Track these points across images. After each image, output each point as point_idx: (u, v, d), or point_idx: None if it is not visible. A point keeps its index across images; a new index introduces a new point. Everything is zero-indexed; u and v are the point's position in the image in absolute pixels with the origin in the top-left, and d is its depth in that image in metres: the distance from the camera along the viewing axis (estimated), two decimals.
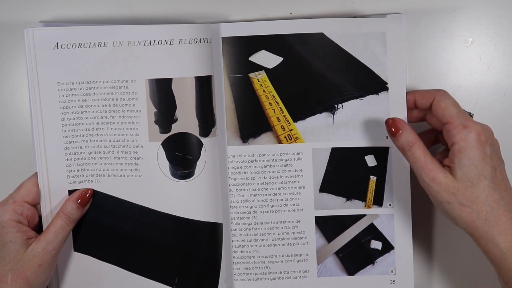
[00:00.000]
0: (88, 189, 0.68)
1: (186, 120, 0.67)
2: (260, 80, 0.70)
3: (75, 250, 0.69)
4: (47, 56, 0.66)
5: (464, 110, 0.65)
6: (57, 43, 0.66)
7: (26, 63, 0.67)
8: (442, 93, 0.65)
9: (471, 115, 0.66)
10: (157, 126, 0.67)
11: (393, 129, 0.65)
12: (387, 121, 0.66)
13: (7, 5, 0.72)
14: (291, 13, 0.72)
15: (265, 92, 0.70)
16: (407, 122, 0.67)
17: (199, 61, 0.67)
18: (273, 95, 0.70)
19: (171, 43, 0.66)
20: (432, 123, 0.67)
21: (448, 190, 0.61)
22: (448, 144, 0.63)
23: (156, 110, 0.67)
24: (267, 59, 0.70)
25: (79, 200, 0.67)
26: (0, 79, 0.73)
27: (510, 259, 0.59)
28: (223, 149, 0.70)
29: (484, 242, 0.61)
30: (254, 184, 0.71)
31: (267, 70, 0.70)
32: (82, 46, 0.66)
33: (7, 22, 0.72)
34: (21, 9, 0.72)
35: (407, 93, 0.68)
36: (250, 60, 0.70)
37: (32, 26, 0.70)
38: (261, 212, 0.71)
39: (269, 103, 0.70)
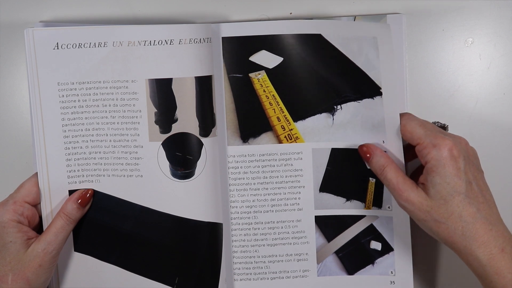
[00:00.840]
0: (88, 189, 0.68)
1: (186, 120, 0.67)
2: (260, 80, 0.70)
3: (75, 250, 0.69)
4: (47, 56, 0.66)
5: (438, 122, 0.66)
6: (57, 43, 0.66)
7: (26, 63, 0.67)
8: (407, 116, 0.66)
9: (444, 127, 0.67)
10: (157, 126, 0.67)
11: (367, 155, 0.67)
12: (360, 148, 0.68)
13: (7, 5, 0.72)
14: (291, 13, 0.72)
15: (265, 92, 0.70)
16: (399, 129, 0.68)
17: (199, 61, 0.67)
18: (273, 95, 0.70)
19: (171, 43, 0.66)
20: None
21: (421, 208, 0.62)
22: (422, 163, 0.64)
23: (156, 110, 0.67)
24: (267, 59, 0.70)
25: (80, 200, 0.67)
26: (0, 79, 0.73)
27: (491, 271, 0.60)
28: (223, 149, 0.70)
29: (464, 256, 0.61)
30: (254, 184, 0.71)
31: (267, 70, 0.70)
32: (82, 46, 0.66)
33: (7, 22, 0.72)
34: (21, 9, 0.72)
35: None
36: (250, 60, 0.70)
37: (32, 26, 0.70)
38: (261, 211, 0.71)
39: (269, 103, 0.70)
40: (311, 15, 0.71)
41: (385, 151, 0.68)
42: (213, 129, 0.69)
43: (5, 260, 0.63)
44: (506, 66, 0.72)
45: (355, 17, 0.70)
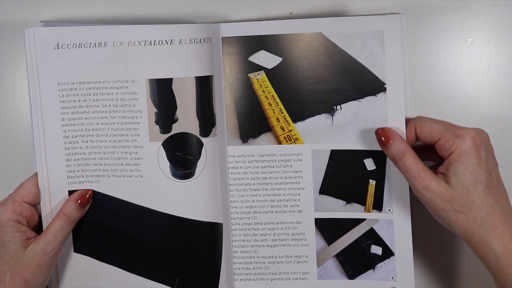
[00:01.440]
0: (88, 190, 0.68)
1: (187, 120, 0.67)
2: (259, 80, 0.70)
3: (75, 251, 0.69)
4: (48, 56, 0.66)
5: None
6: (58, 43, 0.66)
7: (26, 63, 0.67)
8: (419, 118, 0.66)
9: None
10: (158, 126, 0.67)
11: (383, 139, 0.66)
12: (376, 131, 0.67)
13: (7, 5, 0.72)
14: (291, 13, 0.72)
15: (264, 92, 0.70)
16: (404, 126, 0.68)
17: (199, 61, 0.67)
18: (272, 95, 0.70)
19: (172, 43, 0.66)
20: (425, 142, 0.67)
21: (442, 198, 0.61)
22: (444, 157, 0.63)
23: (156, 110, 0.67)
24: (266, 59, 0.70)
25: (79, 201, 0.67)
26: (0, 79, 0.73)
27: (505, 264, 0.60)
28: (223, 149, 0.70)
29: (479, 248, 0.61)
30: (254, 184, 0.71)
31: (266, 70, 0.70)
32: (82, 46, 0.66)
33: (7, 22, 0.72)
34: (21, 9, 0.72)
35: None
36: (250, 60, 0.70)
37: (32, 26, 0.70)
38: (261, 212, 0.71)
39: (269, 104, 0.70)
40: (311, 15, 0.71)
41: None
42: (213, 129, 0.69)
43: (3, 260, 0.63)
44: (506, 66, 0.72)
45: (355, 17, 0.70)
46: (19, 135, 0.73)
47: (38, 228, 0.68)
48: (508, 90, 0.72)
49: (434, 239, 0.73)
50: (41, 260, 0.64)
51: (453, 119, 0.71)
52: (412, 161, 0.63)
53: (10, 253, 0.63)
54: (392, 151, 0.65)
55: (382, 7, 0.72)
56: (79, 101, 0.67)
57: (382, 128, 0.66)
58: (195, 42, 0.67)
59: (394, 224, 0.71)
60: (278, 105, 0.70)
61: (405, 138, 0.67)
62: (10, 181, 0.70)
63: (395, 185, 0.71)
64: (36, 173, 0.68)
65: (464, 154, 0.61)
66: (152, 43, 0.66)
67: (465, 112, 0.72)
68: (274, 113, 0.70)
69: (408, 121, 0.67)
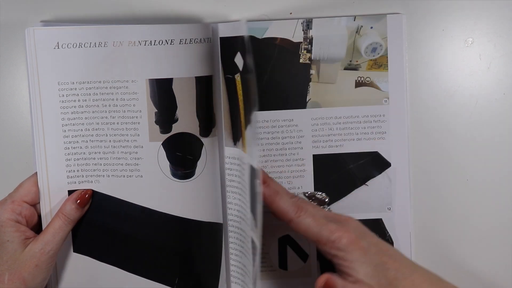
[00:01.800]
0: (87, 190, 0.68)
1: (187, 120, 0.67)
2: (239, 82, 0.70)
3: (74, 251, 0.69)
4: (48, 56, 0.66)
5: (317, 193, 0.69)
6: (58, 43, 0.66)
7: (26, 63, 0.67)
8: (298, 214, 0.60)
9: (325, 200, 0.69)
10: (158, 126, 0.67)
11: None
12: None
13: (7, 5, 0.72)
14: (291, 13, 0.72)
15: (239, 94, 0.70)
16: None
17: (199, 61, 0.67)
18: (241, 98, 0.70)
19: (172, 43, 0.66)
20: None
21: None
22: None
23: (156, 110, 0.67)
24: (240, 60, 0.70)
25: (78, 201, 0.67)
26: (0, 79, 0.73)
27: None
28: (222, 149, 0.70)
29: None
30: (244, 188, 0.71)
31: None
32: (82, 46, 0.66)
33: (7, 22, 0.72)
34: (21, 9, 0.72)
35: None
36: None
37: (32, 26, 0.70)
38: None
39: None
40: (310, 15, 0.71)
41: None
42: (213, 129, 0.69)
43: (2, 260, 0.63)
44: (506, 66, 0.72)
45: (355, 17, 0.70)
46: (19, 135, 0.73)
47: (37, 228, 0.68)
48: (508, 90, 0.72)
49: (433, 235, 0.74)
50: (39, 260, 0.64)
51: (453, 119, 0.72)
52: None
53: (9, 253, 0.63)
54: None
55: (382, 7, 0.72)
56: (79, 101, 0.67)
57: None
58: (195, 42, 0.67)
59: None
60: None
61: None
62: (10, 181, 0.70)
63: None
64: (36, 172, 0.68)
65: (350, 253, 0.58)
66: (152, 43, 0.66)
67: (465, 112, 0.72)
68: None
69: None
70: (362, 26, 0.70)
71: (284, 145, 0.71)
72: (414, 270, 0.59)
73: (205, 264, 0.69)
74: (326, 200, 0.69)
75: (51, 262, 0.65)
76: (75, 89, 0.67)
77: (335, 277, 0.57)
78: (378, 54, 0.69)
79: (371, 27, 0.69)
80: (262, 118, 0.71)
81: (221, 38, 0.69)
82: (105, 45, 0.66)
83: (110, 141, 0.68)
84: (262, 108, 0.71)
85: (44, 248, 0.64)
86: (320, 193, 0.69)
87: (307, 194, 0.70)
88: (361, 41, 0.70)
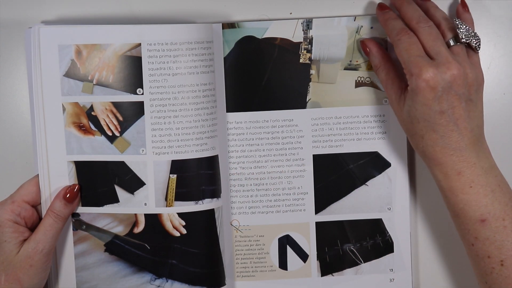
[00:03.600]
0: (74, 184, 0.68)
1: None
2: None
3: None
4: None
5: (473, 39, 0.64)
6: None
7: (27, 62, 0.67)
8: (400, 36, 0.64)
9: (474, 48, 0.65)
10: None
11: (366, 49, 0.69)
12: (361, 42, 0.70)
13: (8, 5, 0.72)
14: (291, 13, 0.72)
15: None
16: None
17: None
18: None
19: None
20: None
21: (398, 115, 0.66)
22: None
23: None
24: None
25: (68, 195, 0.67)
26: (0, 79, 0.73)
27: (445, 187, 0.63)
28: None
29: (427, 166, 0.65)
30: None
31: None
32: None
33: (8, 22, 0.72)
34: (22, 9, 0.72)
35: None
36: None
37: (33, 26, 0.70)
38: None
39: None
40: (311, 15, 0.71)
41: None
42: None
43: None
44: (506, 66, 0.72)
45: (355, 17, 0.70)
46: (19, 135, 0.73)
47: None
48: (508, 90, 0.72)
49: (432, 233, 0.74)
50: (33, 259, 0.64)
51: None
52: (383, 75, 0.67)
53: (5, 253, 0.63)
54: (371, 63, 0.69)
55: None
56: None
57: (362, 41, 0.70)
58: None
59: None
60: None
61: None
62: (10, 181, 0.70)
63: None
64: (38, 174, 0.68)
65: (414, 92, 0.61)
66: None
67: None
68: None
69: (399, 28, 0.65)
70: (362, 26, 0.70)
71: (284, 145, 0.71)
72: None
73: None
74: (478, 48, 0.65)
75: (46, 262, 0.65)
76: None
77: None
78: None
79: (371, 27, 0.69)
80: (262, 118, 0.71)
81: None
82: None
83: None
84: (262, 108, 0.71)
85: (36, 247, 0.64)
86: (476, 40, 0.65)
87: (461, 33, 0.64)
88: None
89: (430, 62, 0.61)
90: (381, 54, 0.68)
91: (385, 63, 0.67)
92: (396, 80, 0.66)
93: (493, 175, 0.62)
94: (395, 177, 0.71)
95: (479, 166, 0.62)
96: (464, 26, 0.64)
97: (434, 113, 0.61)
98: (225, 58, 0.70)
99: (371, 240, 0.72)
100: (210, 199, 0.69)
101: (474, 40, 0.64)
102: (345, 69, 0.71)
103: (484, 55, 0.72)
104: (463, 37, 0.64)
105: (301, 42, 0.70)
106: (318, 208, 0.72)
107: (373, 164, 0.72)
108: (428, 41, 0.62)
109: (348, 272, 0.73)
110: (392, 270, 0.72)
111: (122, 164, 0.68)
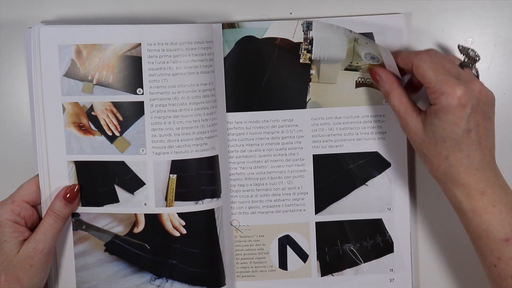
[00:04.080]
0: (74, 184, 0.68)
1: None
2: None
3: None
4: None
5: (460, 46, 0.65)
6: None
7: (26, 62, 0.68)
8: (420, 56, 0.63)
9: (476, 59, 0.65)
10: None
11: (376, 77, 0.68)
12: (370, 70, 0.69)
13: (8, 5, 0.72)
14: (291, 13, 0.72)
15: None
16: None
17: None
18: None
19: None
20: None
21: (416, 138, 0.64)
22: (429, 102, 0.63)
23: None
24: None
25: (68, 195, 0.67)
26: (0, 79, 0.73)
27: (467, 209, 0.61)
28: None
29: (444, 191, 0.63)
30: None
31: None
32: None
33: (7, 22, 0.72)
34: (22, 9, 0.72)
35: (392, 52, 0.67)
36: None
37: (33, 26, 0.70)
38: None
39: None
40: (311, 15, 0.71)
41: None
42: None
43: None
44: (506, 66, 0.72)
45: (351, 31, 0.70)
46: (19, 135, 0.73)
47: None
48: (508, 90, 0.72)
49: (433, 233, 0.74)
50: (33, 259, 0.64)
51: None
52: (396, 100, 0.65)
53: (5, 253, 0.63)
54: (381, 90, 0.68)
55: (382, 7, 0.71)
56: None
57: (371, 69, 0.68)
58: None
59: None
60: None
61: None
62: (10, 181, 0.70)
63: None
64: (38, 174, 0.68)
65: (443, 111, 0.60)
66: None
67: None
68: None
69: (414, 53, 0.65)
70: (358, 39, 0.69)
71: (284, 145, 0.71)
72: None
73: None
74: (477, 58, 0.66)
75: (46, 261, 0.65)
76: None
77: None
78: (377, 61, 0.69)
79: (366, 43, 0.69)
80: (262, 118, 0.71)
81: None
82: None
83: None
84: (262, 108, 0.71)
85: (36, 247, 0.64)
86: (474, 50, 0.65)
87: (460, 48, 0.66)
88: (359, 49, 0.70)
89: (458, 80, 0.61)
90: (391, 79, 0.67)
91: (396, 88, 0.66)
92: (410, 104, 0.65)
93: (510, 194, 0.62)
94: (395, 177, 0.71)
95: (498, 185, 0.62)
96: (468, 51, 0.65)
97: (462, 132, 0.60)
98: (225, 58, 0.70)
99: (371, 240, 0.72)
100: (210, 199, 0.69)
101: (477, 62, 0.65)
102: (346, 69, 0.71)
103: (484, 55, 0.72)
104: (469, 63, 0.65)
105: (301, 42, 0.70)
106: (318, 208, 0.72)
107: (373, 164, 0.72)
108: (446, 63, 0.62)
109: (348, 272, 0.72)
110: (392, 270, 0.72)
111: (122, 164, 0.68)
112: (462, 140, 0.60)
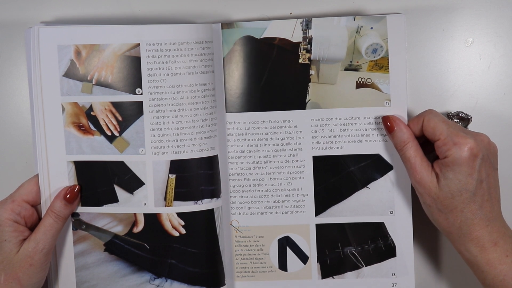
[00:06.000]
0: (75, 185, 0.68)
1: None
2: None
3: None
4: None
5: (461, 112, 0.66)
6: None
7: (27, 62, 0.68)
8: (429, 112, 0.66)
9: (468, 118, 0.68)
10: None
11: (388, 125, 0.67)
12: (383, 118, 0.68)
13: (7, 5, 0.72)
14: (291, 13, 0.72)
15: None
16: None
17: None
18: None
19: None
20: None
21: (430, 194, 0.64)
22: (440, 157, 0.64)
23: None
24: None
25: (68, 196, 0.67)
26: (0, 79, 0.73)
27: (482, 262, 0.62)
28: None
29: (457, 246, 0.64)
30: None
31: None
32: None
33: (7, 22, 0.72)
34: (22, 9, 0.72)
35: None
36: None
37: (33, 26, 0.71)
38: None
39: None
40: (311, 15, 0.71)
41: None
42: None
43: None
44: (506, 66, 0.72)
45: (354, 17, 0.70)
46: (19, 135, 0.73)
47: None
48: (508, 90, 0.72)
49: (435, 238, 0.73)
50: (33, 259, 0.64)
51: None
52: (411, 152, 0.65)
53: (5, 253, 0.64)
54: (395, 140, 0.67)
55: (382, 7, 0.72)
56: None
57: (387, 116, 0.68)
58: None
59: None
60: None
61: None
62: (10, 181, 0.70)
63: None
64: (38, 174, 0.68)
65: (457, 163, 0.62)
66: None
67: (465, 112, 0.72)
68: None
69: (420, 114, 0.67)
70: (362, 27, 0.69)
71: (283, 146, 0.71)
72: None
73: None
74: (470, 117, 0.69)
75: (46, 261, 0.65)
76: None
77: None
78: (379, 55, 0.69)
79: (371, 28, 0.69)
80: (261, 119, 0.71)
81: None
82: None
83: None
84: (261, 108, 0.71)
85: (36, 247, 0.64)
86: (464, 112, 0.69)
87: (450, 114, 0.70)
88: (361, 42, 0.70)
89: (466, 133, 0.63)
90: (409, 130, 0.67)
91: (413, 139, 0.66)
92: (424, 157, 0.65)
93: None
94: (398, 180, 0.71)
95: (507, 234, 0.63)
96: (459, 114, 0.69)
97: (476, 182, 0.61)
98: (224, 58, 0.70)
99: (372, 243, 0.72)
100: (209, 199, 0.69)
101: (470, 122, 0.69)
102: (346, 69, 0.70)
103: (484, 55, 0.72)
104: (463, 125, 0.68)
105: (300, 42, 0.70)
106: (318, 210, 0.71)
107: (374, 167, 0.71)
108: (449, 121, 0.65)
109: (349, 275, 0.72)
110: (394, 275, 0.71)
111: (121, 164, 0.69)
112: (476, 190, 0.62)
